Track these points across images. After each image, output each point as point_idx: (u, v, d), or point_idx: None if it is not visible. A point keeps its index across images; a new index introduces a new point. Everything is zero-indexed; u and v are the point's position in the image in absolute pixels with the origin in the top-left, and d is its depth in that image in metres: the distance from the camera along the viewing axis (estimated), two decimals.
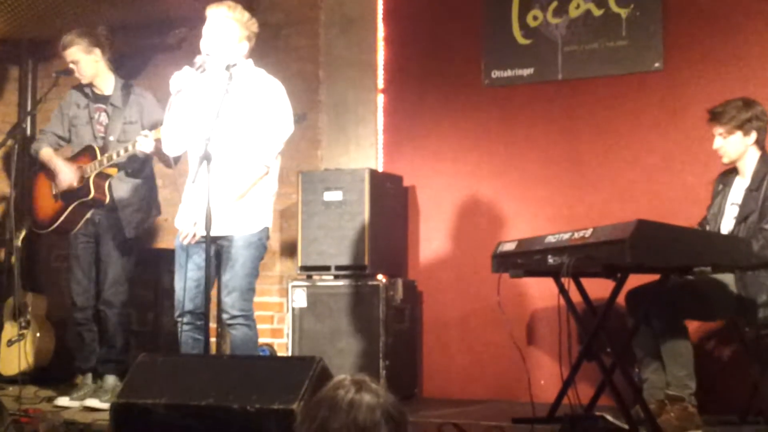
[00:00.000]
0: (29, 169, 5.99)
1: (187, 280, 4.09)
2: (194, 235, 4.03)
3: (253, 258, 4.11)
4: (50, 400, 5.08)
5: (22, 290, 5.83)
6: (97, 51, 5.11)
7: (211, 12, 4.13)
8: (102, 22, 5.61)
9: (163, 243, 6.08)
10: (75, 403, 4.93)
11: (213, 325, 4.66)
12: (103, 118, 5.13)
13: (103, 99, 5.16)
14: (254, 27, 4.18)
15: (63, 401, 4.96)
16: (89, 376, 5.12)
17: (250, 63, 4.23)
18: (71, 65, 5.10)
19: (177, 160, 5.01)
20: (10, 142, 5.24)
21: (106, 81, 5.17)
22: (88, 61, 5.09)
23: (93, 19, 5.78)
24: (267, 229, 4.19)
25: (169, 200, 5.54)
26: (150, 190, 5.19)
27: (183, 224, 4.13)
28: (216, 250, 4.11)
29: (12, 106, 6.68)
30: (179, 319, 4.16)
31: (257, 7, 6.09)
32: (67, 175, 5.03)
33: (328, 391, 2.06)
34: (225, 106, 3.92)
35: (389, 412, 2.02)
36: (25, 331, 5.82)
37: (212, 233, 3.88)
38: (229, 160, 4.01)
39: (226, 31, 4.10)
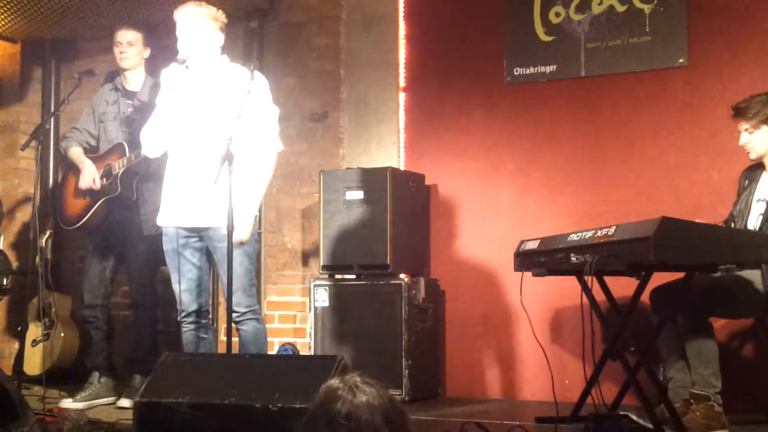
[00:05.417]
0: (60, 167, 6.03)
1: (187, 280, 4.19)
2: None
3: (249, 254, 4.19)
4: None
5: (46, 290, 5.85)
6: (148, 50, 5.29)
7: (180, 14, 4.25)
8: (124, 22, 5.64)
9: None
10: (79, 405, 4.92)
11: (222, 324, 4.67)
12: (131, 113, 5.18)
13: (132, 95, 5.23)
14: (223, 17, 4.30)
15: (67, 403, 4.93)
16: (95, 375, 5.13)
17: (226, 59, 4.34)
18: (126, 45, 5.18)
19: None
20: (33, 143, 5.26)
21: (138, 77, 5.26)
22: (139, 51, 5.23)
23: (115, 19, 5.80)
24: (256, 217, 4.26)
25: None
26: None
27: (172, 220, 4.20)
28: (206, 248, 4.24)
29: (35, 106, 6.71)
30: (184, 320, 4.28)
31: (278, 7, 6.11)
32: (91, 173, 5.07)
33: (323, 404, 1.97)
34: (244, 106, 3.97)
35: (388, 414, 1.95)
36: (49, 331, 5.85)
37: (199, 224, 4.13)
38: (210, 151, 4.04)
39: (197, 27, 4.22)
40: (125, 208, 5.06)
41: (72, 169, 5.28)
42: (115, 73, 5.50)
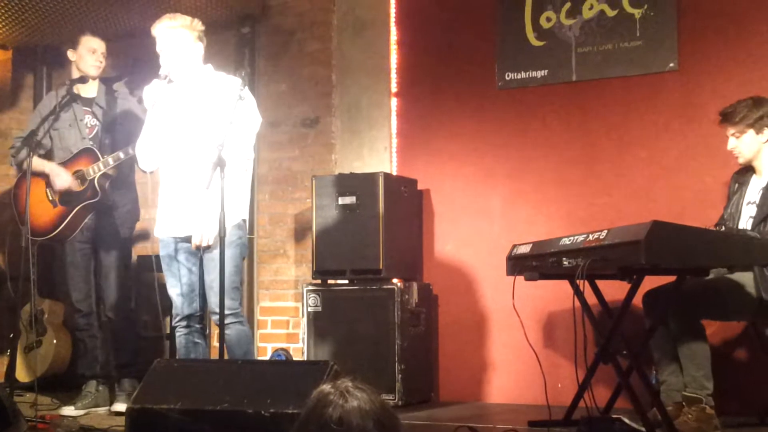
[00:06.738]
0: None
1: (181, 285, 4.22)
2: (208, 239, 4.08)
3: (234, 256, 4.16)
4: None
5: (38, 297, 5.83)
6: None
7: (157, 30, 4.26)
8: (116, 29, 5.64)
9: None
10: (80, 412, 4.90)
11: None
12: (89, 119, 5.13)
13: (88, 102, 5.17)
14: (200, 26, 4.30)
15: (68, 410, 4.91)
16: (92, 383, 5.09)
17: (210, 68, 4.34)
18: (100, 54, 5.14)
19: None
20: (25, 150, 5.24)
21: (94, 84, 5.21)
22: (102, 60, 5.18)
23: (106, 26, 5.80)
24: (244, 221, 4.25)
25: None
26: (136, 193, 5.23)
27: (180, 230, 4.20)
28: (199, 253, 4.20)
29: (26, 113, 6.69)
30: (178, 324, 4.27)
31: (270, 13, 6.12)
32: (64, 178, 4.99)
33: (315, 409, 1.98)
34: (236, 112, 3.98)
35: (380, 419, 1.96)
36: (41, 338, 5.83)
37: (191, 232, 4.10)
38: (201, 161, 4.04)
39: (175, 41, 4.23)
40: (101, 212, 5.03)
41: (35, 177, 5.00)
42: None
